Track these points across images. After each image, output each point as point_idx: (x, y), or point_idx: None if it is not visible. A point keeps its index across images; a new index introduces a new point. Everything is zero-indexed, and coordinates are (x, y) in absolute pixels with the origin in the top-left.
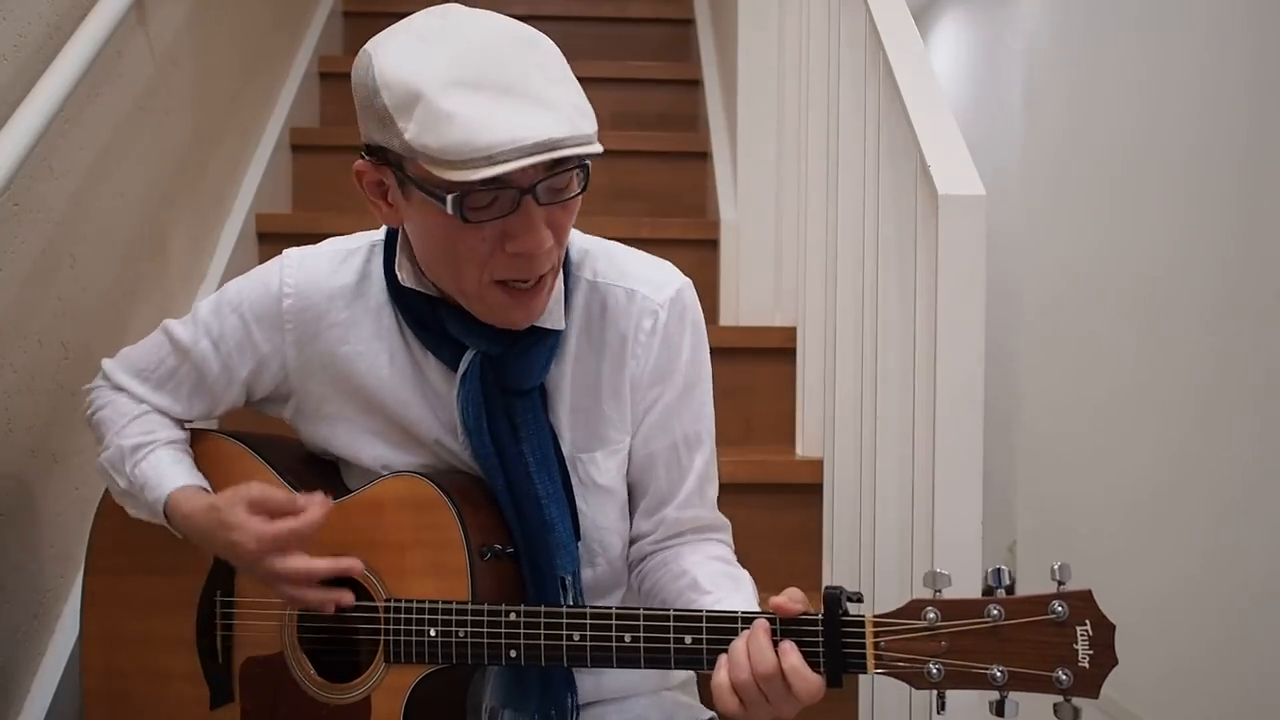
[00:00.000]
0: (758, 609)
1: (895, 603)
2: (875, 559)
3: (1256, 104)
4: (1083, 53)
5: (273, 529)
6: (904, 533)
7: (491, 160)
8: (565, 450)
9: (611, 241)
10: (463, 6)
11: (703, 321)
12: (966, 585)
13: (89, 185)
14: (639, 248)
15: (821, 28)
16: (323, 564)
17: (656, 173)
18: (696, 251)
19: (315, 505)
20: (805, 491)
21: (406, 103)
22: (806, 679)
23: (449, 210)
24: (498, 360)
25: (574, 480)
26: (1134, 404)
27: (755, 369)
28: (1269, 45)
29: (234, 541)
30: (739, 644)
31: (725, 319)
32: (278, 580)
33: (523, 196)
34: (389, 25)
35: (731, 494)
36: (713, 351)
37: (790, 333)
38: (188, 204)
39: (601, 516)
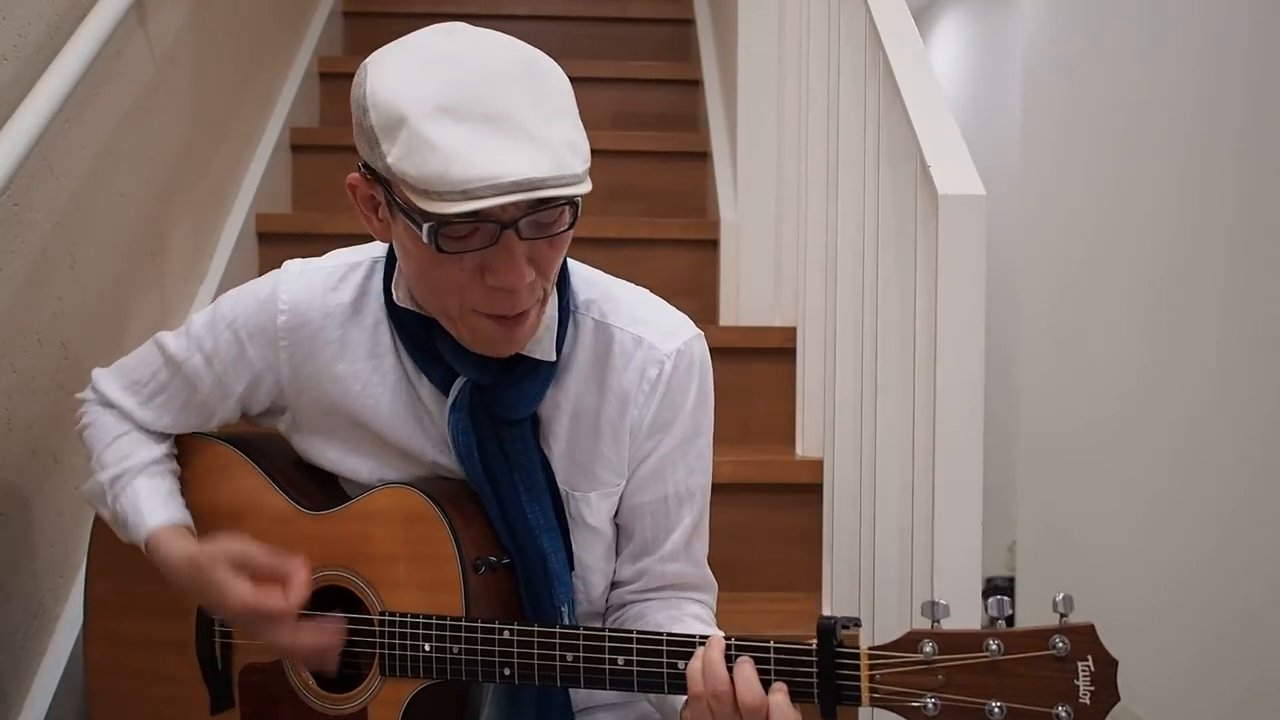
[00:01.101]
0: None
1: (895, 604)
2: (875, 559)
3: (1253, 101)
4: (1081, 52)
5: (260, 603)
6: (904, 533)
7: (467, 195)
8: (559, 483)
9: (626, 283)
10: (470, 26)
11: (710, 377)
12: (967, 586)
13: (89, 185)
14: (639, 248)
15: (821, 27)
16: (307, 640)
17: (656, 173)
18: (696, 251)
19: (296, 584)
20: (805, 491)
21: (391, 126)
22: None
23: (425, 239)
24: (488, 389)
25: (566, 514)
26: (1134, 404)
27: (755, 369)
28: (1266, 43)
29: (217, 602)
30: (694, 663)
31: (725, 319)
32: (267, 645)
33: (503, 231)
34: (389, 25)
35: (731, 494)
36: (713, 351)
37: (790, 333)
38: (188, 204)
39: (588, 555)
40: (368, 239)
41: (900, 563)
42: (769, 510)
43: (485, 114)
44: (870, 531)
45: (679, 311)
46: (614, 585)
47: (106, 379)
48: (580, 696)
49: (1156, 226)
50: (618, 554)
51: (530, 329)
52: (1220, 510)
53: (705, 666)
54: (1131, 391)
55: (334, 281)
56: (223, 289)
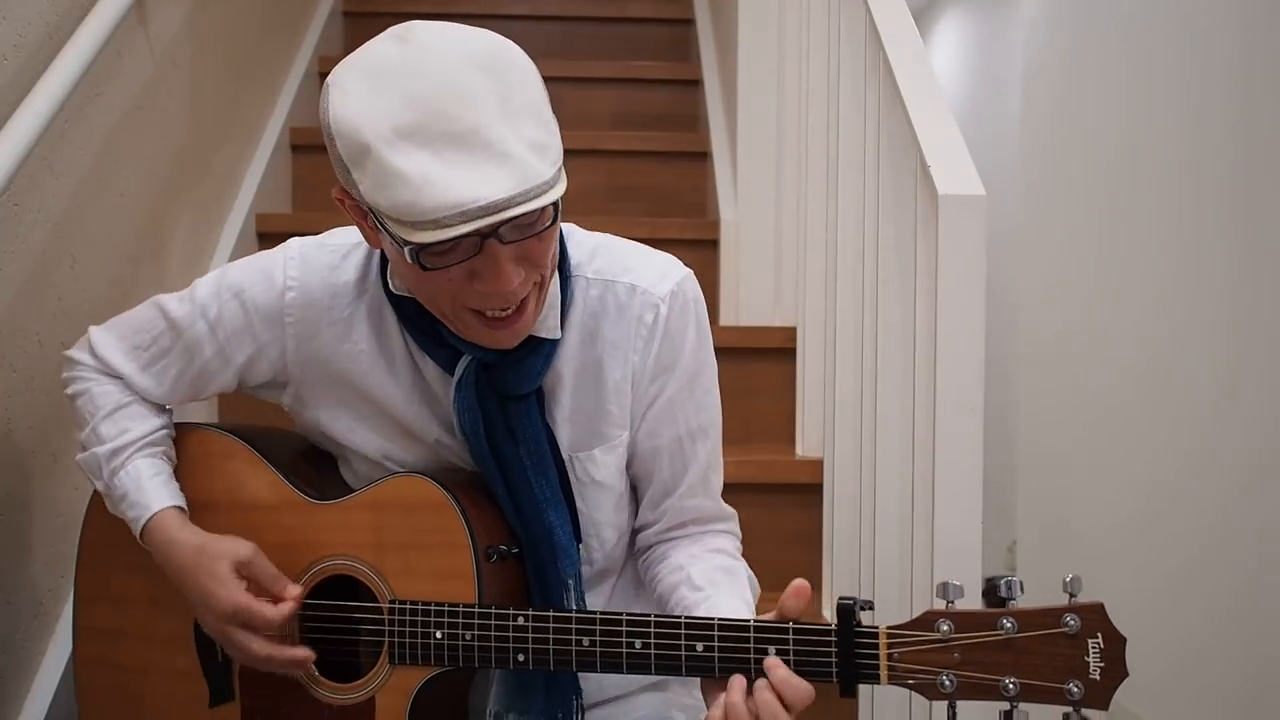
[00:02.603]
0: (751, 602)
1: (896, 603)
2: (875, 559)
3: (1249, 98)
4: (1081, 52)
5: (250, 606)
6: (904, 533)
7: (438, 224)
8: (563, 450)
9: (612, 236)
10: (424, 25)
11: (705, 312)
12: (967, 585)
13: (89, 185)
14: None
15: (821, 28)
16: (289, 654)
17: (656, 173)
18: (696, 251)
19: (290, 600)
20: (805, 491)
21: (358, 155)
22: (798, 689)
23: (408, 260)
24: (494, 366)
25: (572, 479)
26: (1133, 404)
27: (755, 369)
28: (1259, 42)
29: (211, 592)
30: (715, 711)
31: (725, 319)
32: (232, 649)
33: (485, 241)
34: (388, 26)
35: (731, 494)
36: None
37: (790, 333)
38: (188, 204)
39: (598, 512)
40: None
41: (900, 562)
42: (769, 510)
43: (447, 133)
44: (870, 531)
45: (667, 254)
46: (638, 530)
47: (106, 341)
48: (590, 689)
49: (1156, 224)
50: (639, 501)
51: (530, 318)
52: (1220, 511)
53: (728, 712)
54: (1131, 390)
55: (337, 260)
56: None
